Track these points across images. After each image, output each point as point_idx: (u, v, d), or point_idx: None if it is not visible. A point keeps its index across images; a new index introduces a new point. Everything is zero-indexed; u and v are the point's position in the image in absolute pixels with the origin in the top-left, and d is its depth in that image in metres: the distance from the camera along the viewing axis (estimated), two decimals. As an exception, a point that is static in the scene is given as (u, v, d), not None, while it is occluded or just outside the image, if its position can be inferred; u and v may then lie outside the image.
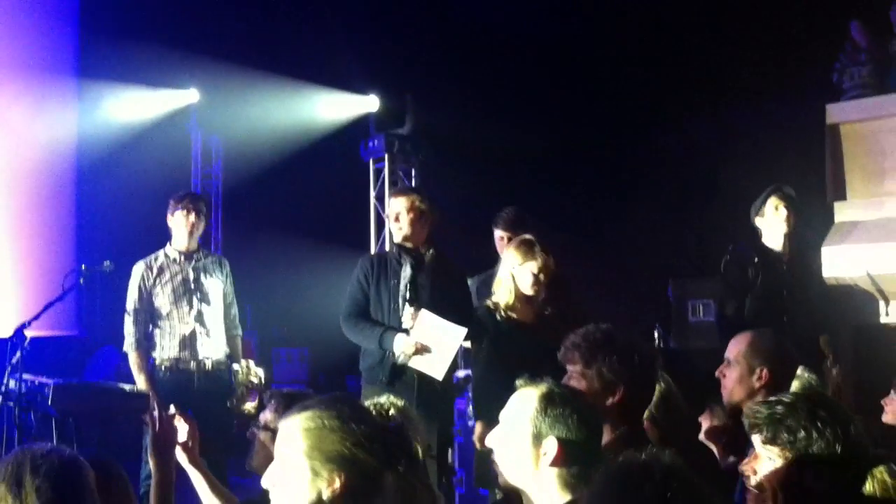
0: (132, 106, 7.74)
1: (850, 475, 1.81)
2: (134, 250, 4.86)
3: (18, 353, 4.21)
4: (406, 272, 3.95)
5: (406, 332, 3.82)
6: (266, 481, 1.88)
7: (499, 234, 4.61)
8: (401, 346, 3.80)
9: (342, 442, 1.82)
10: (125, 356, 4.63)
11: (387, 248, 5.29)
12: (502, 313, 3.94)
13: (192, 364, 4.53)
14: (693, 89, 7.36)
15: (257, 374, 4.75)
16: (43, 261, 7.32)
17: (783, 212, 4.40)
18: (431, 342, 3.79)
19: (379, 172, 8.00)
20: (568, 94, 7.75)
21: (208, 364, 4.55)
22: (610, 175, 7.85)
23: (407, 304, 3.89)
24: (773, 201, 4.42)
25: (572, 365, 2.37)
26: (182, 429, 2.52)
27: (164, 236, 4.74)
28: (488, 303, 3.98)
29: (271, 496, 1.87)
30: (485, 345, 3.95)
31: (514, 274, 3.93)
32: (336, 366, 7.09)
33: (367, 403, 2.15)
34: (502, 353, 3.85)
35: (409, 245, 4.03)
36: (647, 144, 7.57)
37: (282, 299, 7.94)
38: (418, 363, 3.83)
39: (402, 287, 3.93)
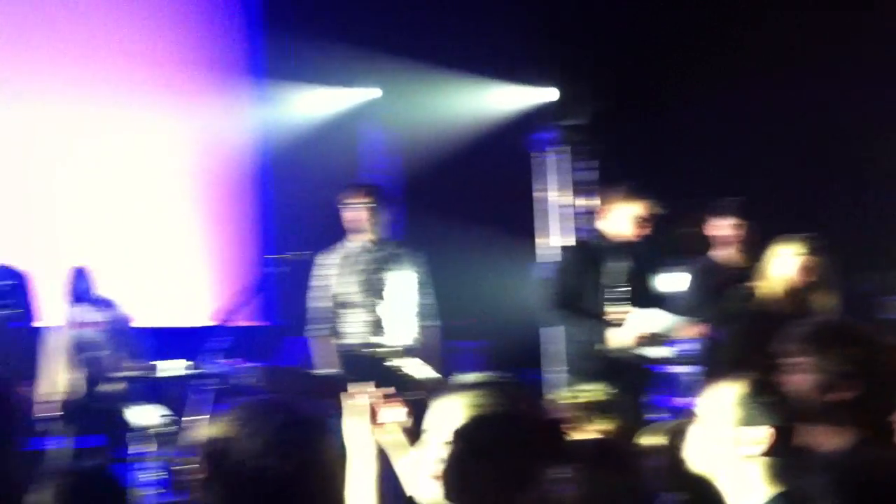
0: (314, 104, 8.09)
1: None
2: (321, 241, 5.06)
3: (220, 340, 4.51)
4: (616, 262, 3.93)
5: (617, 323, 3.81)
6: None
7: (726, 222, 4.57)
8: (617, 338, 3.78)
9: None
10: (309, 345, 4.84)
11: (568, 241, 5.29)
12: (767, 301, 3.88)
13: (374, 352, 4.66)
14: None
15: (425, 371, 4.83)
16: (236, 253, 7.77)
17: None
18: (646, 331, 3.76)
19: (555, 164, 7.95)
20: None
21: (390, 353, 4.66)
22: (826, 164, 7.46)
23: (616, 293, 3.88)
24: None
25: (798, 356, 2.26)
26: (389, 410, 2.57)
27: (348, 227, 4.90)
28: (754, 290, 3.93)
29: None
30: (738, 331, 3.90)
31: (786, 263, 3.88)
32: (513, 359, 7.12)
33: (565, 392, 2.15)
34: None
35: (616, 238, 4.01)
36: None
37: (456, 292, 8.04)
38: (633, 351, 3.79)
39: (611, 278, 3.92)
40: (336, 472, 1.62)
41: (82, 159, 7.28)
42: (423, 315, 4.81)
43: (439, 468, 1.74)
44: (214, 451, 1.54)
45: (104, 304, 5.78)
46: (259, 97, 8.06)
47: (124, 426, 5.31)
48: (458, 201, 8.15)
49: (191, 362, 4.96)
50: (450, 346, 8.10)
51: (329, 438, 1.62)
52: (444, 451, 1.74)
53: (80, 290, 5.70)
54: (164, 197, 7.62)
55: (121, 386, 5.49)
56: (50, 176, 7.09)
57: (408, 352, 4.70)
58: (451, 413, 1.76)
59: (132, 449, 4.61)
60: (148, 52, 7.65)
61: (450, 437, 1.73)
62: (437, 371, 4.70)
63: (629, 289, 3.87)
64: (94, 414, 5.30)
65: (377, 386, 3.22)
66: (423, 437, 1.85)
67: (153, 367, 4.72)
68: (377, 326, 4.68)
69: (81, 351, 5.57)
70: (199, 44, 7.87)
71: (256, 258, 7.76)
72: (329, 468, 1.58)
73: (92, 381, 5.47)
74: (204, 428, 1.60)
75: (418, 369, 4.67)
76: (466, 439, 1.72)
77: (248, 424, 1.54)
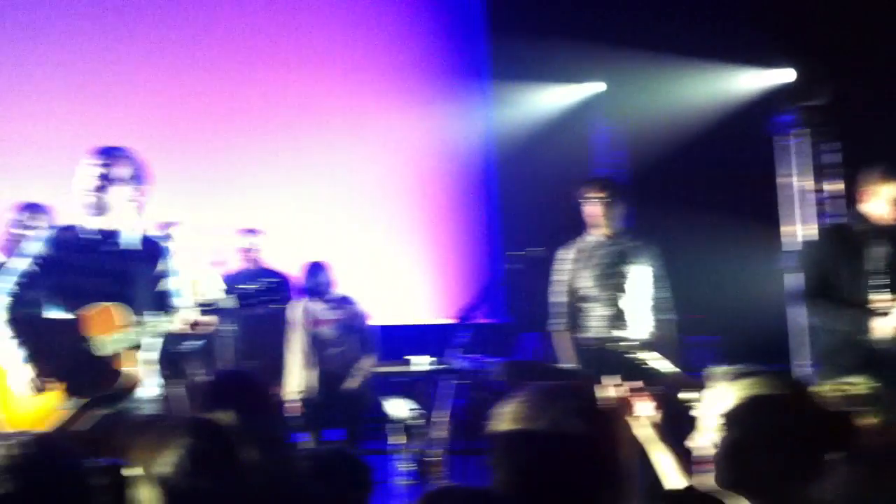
0: (540, 102, 8.16)
1: None
2: (554, 238, 5.10)
3: (462, 337, 4.66)
4: (878, 247, 3.70)
5: (883, 312, 3.59)
6: None
7: None
8: (884, 328, 3.57)
9: None
10: (544, 341, 4.89)
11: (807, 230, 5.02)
12: None
13: (613, 346, 4.65)
14: None
15: (665, 365, 4.75)
16: (471, 252, 7.97)
17: None
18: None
19: (794, 148, 7.58)
20: None
21: (632, 346, 4.63)
22: None
23: (880, 280, 3.66)
24: None
25: None
26: (642, 404, 2.57)
27: (582, 223, 4.91)
28: None
29: None
30: None
31: None
32: (756, 352, 6.84)
33: (828, 385, 2.06)
34: None
35: (877, 221, 3.78)
36: None
37: (691, 285, 7.82)
38: None
39: (874, 264, 3.70)
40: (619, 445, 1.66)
41: (318, 162, 7.73)
42: (659, 309, 4.75)
43: (712, 454, 1.72)
44: (505, 436, 1.61)
45: (342, 300, 5.93)
46: (486, 98, 8.23)
47: (365, 421, 5.56)
48: (690, 191, 7.94)
49: (435, 358, 5.13)
50: (687, 340, 7.93)
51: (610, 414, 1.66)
52: (719, 438, 1.72)
53: (318, 285, 5.84)
54: (399, 198, 7.94)
55: (357, 382, 5.74)
56: (291, 177, 7.60)
57: (646, 346, 4.65)
58: (723, 400, 1.74)
59: (389, 441, 4.84)
60: (377, 60, 8.00)
61: (725, 423, 1.71)
62: (675, 365, 4.63)
63: (893, 275, 3.61)
64: (335, 410, 5.57)
65: (623, 380, 3.21)
66: (697, 424, 1.84)
67: (407, 363, 4.93)
68: (617, 320, 4.67)
69: (319, 348, 5.81)
70: (425, 49, 8.14)
71: (491, 256, 7.93)
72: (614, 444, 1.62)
73: (329, 377, 5.71)
74: (499, 416, 1.67)
75: (659, 363, 4.61)
76: (747, 426, 1.69)
77: (538, 409, 1.59)
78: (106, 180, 3.44)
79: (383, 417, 5.31)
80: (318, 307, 5.83)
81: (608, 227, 4.76)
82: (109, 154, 3.48)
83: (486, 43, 8.27)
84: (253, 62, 7.70)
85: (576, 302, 4.76)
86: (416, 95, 8.06)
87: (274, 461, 2.28)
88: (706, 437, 1.77)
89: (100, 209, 3.45)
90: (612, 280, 4.70)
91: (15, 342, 3.38)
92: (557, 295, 4.80)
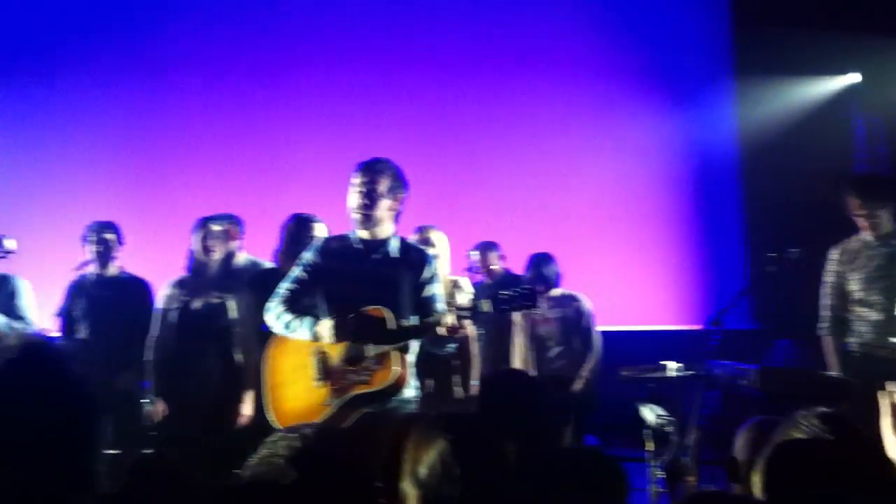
0: (792, 97, 7.78)
1: None
2: (812, 238, 4.86)
3: (712, 342, 4.54)
4: None
5: None
6: None
7: None
8: None
9: None
10: (800, 347, 4.66)
11: None
12: None
13: (885, 352, 4.37)
14: None
15: None
16: (719, 254, 7.74)
17: None
18: None
19: None
20: None
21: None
22: None
23: None
24: None
25: None
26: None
27: (844, 223, 4.66)
28: None
29: None
30: None
31: None
32: None
33: None
34: None
35: None
36: None
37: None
38: None
39: None
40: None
41: (559, 167, 7.79)
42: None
43: None
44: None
45: (564, 298, 5.80)
46: (729, 95, 7.96)
47: (598, 426, 5.46)
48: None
49: (681, 364, 5.03)
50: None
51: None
52: None
53: (542, 276, 5.71)
54: (644, 201, 7.85)
55: (580, 384, 5.65)
56: (529, 182, 7.71)
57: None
58: None
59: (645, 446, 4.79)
60: (617, 61, 7.95)
61: None
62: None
63: None
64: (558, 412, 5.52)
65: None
66: None
67: (662, 368, 4.87)
68: (889, 325, 4.38)
69: (539, 349, 5.74)
70: (665, 48, 7.99)
71: (739, 259, 7.67)
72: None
73: (550, 380, 5.61)
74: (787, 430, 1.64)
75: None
76: None
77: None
78: (370, 196, 3.64)
79: (621, 423, 5.23)
80: (540, 306, 5.65)
81: (878, 228, 4.48)
82: (371, 169, 3.67)
83: (730, 38, 7.99)
84: (496, 71, 7.88)
85: (843, 305, 4.53)
86: (658, 95, 7.94)
87: (533, 459, 2.33)
88: None
89: (367, 223, 3.67)
90: (883, 283, 4.42)
91: (297, 320, 3.63)
92: (826, 297, 4.61)
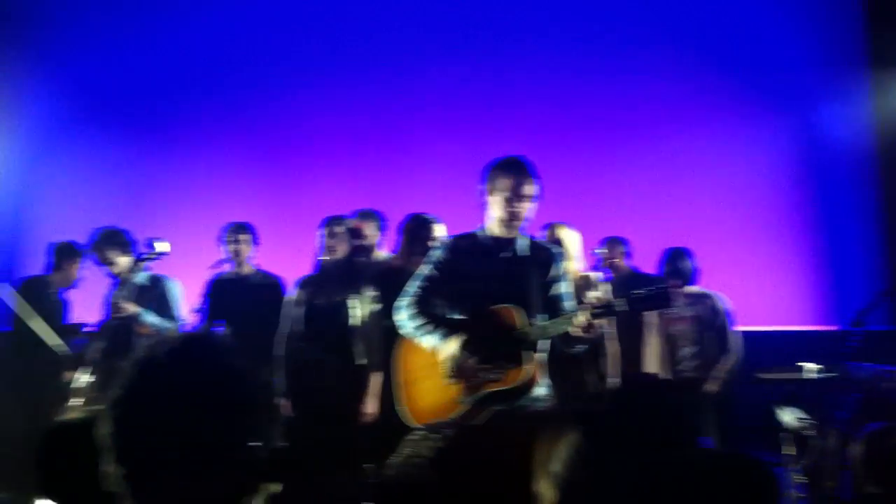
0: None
1: None
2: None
3: (854, 344, 4.38)
4: None
5: None
6: None
7: None
8: None
9: None
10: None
11: None
12: None
13: None
14: None
15: None
16: (858, 253, 7.41)
17: None
18: None
19: None
20: None
21: None
22: None
23: None
24: None
25: None
26: None
27: None
28: None
29: None
30: None
31: None
32: None
33: None
34: None
35: None
36: None
37: None
38: None
39: None
40: None
41: (688, 162, 7.62)
42: None
43: None
44: None
45: (699, 296, 5.66)
46: (868, 87, 7.62)
47: (734, 428, 5.30)
48: None
49: (821, 366, 4.85)
50: None
51: None
52: None
53: (677, 270, 5.61)
54: (777, 197, 7.61)
55: (716, 385, 5.49)
56: (658, 177, 7.57)
57: None
58: None
59: (783, 450, 4.65)
60: (749, 54, 7.73)
61: None
62: None
63: None
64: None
65: None
66: None
67: (799, 369, 4.70)
68: None
69: (672, 348, 5.60)
70: (800, 40, 7.71)
71: (882, 258, 7.35)
72: None
73: (684, 379, 5.49)
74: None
75: None
76: None
77: None
78: (517, 200, 3.61)
79: (754, 425, 5.07)
80: (675, 304, 5.56)
81: None
82: (538, 176, 3.65)
83: (864, 28, 7.64)
84: (621, 67, 7.77)
85: None
86: (790, 88, 7.66)
87: (672, 460, 2.29)
88: None
89: (512, 224, 3.65)
90: None
91: (429, 326, 3.67)
92: None
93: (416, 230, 4.97)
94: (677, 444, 2.63)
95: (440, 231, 4.92)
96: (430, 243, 4.73)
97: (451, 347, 3.58)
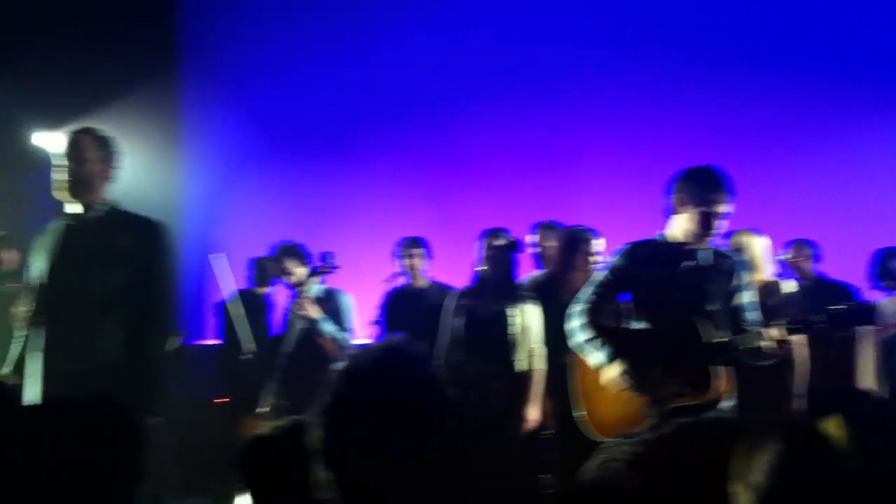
0: None
1: None
2: None
3: None
4: None
5: None
6: None
7: None
8: None
9: None
10: None
11: None
12: None
13: None
14: None
15: None
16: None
17: None
18: None
19: None
20: None
21: None
22: None
23: None
24: None
25: None
26: None
27: None
28: None
29: None
30: None
31: None
32: None
33: None
34: None
35: None
36: None
37: None
38: None
39: None
40: None
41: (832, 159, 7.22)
42: None
43: None
44: None
45: None
46: None
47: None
48: None
49: None
50: None
51: None
52: None
53: (891, 272, 5.34)
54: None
55: None
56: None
57: None
58: None
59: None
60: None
61: None
62: None
63: None
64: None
65: None
66: None
67: None
68: None
69: (884, 356, 5.24)
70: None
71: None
72: None
73: None
74: None
75: None
76: None
77: None
78: (715, 216, 3.50)
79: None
80: (886, 310, 5.20)
81: None
82: (728, 186, 3.54)
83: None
84: (789, 67, 7.46)
85: None
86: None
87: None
88: None
89: (705, 238, 3.56)
90: None
91: (597, 342, 3.63)
92: None
93: (570, 242, 4.97)
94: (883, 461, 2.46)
95: (599, 245, 4.93)
96: (588, 257, 4.84)
97: (612, 371, 3.53)
